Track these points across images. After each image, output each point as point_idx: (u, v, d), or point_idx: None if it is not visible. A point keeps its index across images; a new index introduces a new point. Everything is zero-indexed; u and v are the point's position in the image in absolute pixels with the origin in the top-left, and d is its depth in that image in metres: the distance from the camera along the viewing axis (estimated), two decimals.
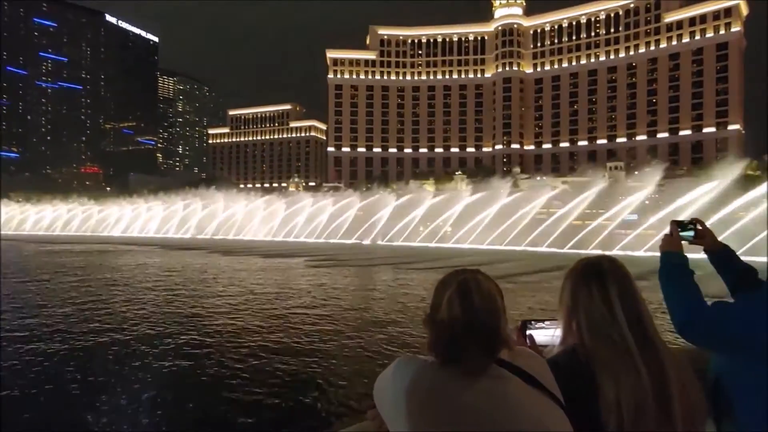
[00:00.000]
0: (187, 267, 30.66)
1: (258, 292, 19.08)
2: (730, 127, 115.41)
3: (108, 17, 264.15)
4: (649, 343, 1.64)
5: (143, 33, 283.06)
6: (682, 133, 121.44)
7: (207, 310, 15.36)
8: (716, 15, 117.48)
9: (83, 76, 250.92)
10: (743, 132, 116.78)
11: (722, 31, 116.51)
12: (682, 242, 2.10)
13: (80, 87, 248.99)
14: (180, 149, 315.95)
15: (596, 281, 1.72)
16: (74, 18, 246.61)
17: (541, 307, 16.15)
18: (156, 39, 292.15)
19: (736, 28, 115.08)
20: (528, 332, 1.98)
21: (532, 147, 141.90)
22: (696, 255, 2.11)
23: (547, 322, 2.00)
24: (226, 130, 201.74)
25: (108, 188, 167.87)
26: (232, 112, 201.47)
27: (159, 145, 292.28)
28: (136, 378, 8.56)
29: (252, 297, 18.01)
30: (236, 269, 29.19)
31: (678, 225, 2.13)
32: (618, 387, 1.57)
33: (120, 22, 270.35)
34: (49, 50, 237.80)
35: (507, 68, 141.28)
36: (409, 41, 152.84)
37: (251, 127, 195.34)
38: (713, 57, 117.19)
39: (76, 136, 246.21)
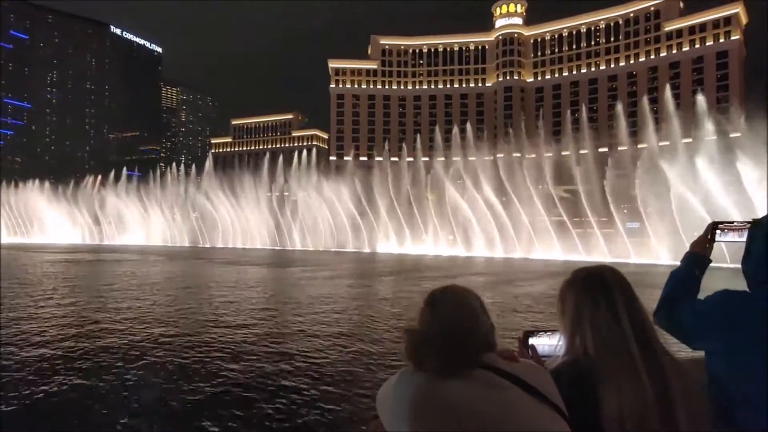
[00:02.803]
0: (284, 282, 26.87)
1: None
2: (732, 136, 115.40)
3: (113, 28, 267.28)
4: (652, 352, 1.63)
5: (147, 44, 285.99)
6: (684, 141, 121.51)
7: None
8: (716, 24, 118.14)
9: (88, 86, 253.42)
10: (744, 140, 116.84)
11: (722, 40, 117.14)
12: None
13: (85, 97, 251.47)
14: (183, 158, 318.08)
15: (601, 292, 1.70)
16: (79, 29, 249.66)
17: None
18: (159, 50, 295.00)
19: (735, 36, 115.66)
20: (530, 342, 1.98)
21: (533, 156, 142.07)
22: None
23: (549, 332, 1.98)
24: (228, 139, 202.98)
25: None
26: (234, 122, 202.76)
27: (162, 154, 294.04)
28: None
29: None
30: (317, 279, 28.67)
31: (716, 227, 2.00)
32: (621, 398, 1.55)
33: (124, 33, 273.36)
34: (54, 61, 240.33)
35: (508, 77, 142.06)
36: (411, 51, 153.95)
37: (253, 136, 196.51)
38: (713, 65, 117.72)
39: (80, 145, 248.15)
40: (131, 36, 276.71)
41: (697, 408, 1.60)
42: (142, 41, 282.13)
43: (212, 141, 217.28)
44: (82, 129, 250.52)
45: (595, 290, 1.71)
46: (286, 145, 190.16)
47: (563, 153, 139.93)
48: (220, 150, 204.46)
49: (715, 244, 2.01)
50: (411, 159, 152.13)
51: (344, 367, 9.25)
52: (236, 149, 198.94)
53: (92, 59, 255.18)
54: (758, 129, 51.03)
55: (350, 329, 12.87)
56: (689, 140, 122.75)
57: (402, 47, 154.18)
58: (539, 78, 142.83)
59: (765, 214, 1.81)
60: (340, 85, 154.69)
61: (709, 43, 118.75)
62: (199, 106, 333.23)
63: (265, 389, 7.91)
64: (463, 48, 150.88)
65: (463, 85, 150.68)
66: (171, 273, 30.44)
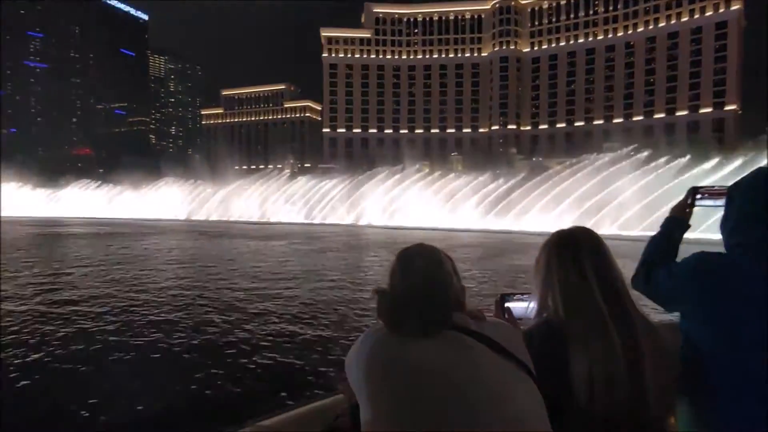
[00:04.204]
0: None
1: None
2: (727, 108, 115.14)
3: None
4: (624, 314, 1.63)
5: (132, 11, 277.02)
6: (678, 113, 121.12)
7: None
8: None
9: (73, 55, 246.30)
10: (740, 112, 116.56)
11: (722, 10, 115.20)
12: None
13: (70, 66, 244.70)
14: (173, 130, 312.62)
15: (570, 251, 1.71)
16: None
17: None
18: (146, 17, 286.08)
19: (735, 6, 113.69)
20: (506, 305, 2.02)
21: (528, 128, 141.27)
22: None
23: (525, 296, 2.00)
24: (219, 110, 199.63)
25: (101, 170, 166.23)
26: (225, 93, 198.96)
27: (151, 126, 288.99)
28: None
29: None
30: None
31: (697, 191, 2.01)
32: (590, 358, 1.56)
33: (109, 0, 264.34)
34: (37, 29, 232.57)
35: (504, 47, 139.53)
36: (405, 19, 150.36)
37: (245, 107, 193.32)
38: (712, 36, 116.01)
39: (67, 116, 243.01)
40: (116, 2, 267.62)
41: (668, 372, 1.61)
42: (127, 8, 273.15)
43: (203, 112, 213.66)
44: (69, 99, 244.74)
45: (564, 250, 1.73)
46: (279, 116, 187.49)
47: (558, 126, 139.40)
48: (211, 122, 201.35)
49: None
50: (405, 131, 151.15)
51: None
52: (227, 120, 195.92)
53: (76, 27, 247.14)
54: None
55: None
56: (684, 112, 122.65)
57: (396, 15, 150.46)
58: (536, 48, 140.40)
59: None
60: (333, 55, 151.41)
61: (709, 13, 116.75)
62: (188, 76, 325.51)
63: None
64: (459, 17, 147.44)
65: (459, 55, 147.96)
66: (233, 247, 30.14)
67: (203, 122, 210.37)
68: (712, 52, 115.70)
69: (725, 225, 1.81)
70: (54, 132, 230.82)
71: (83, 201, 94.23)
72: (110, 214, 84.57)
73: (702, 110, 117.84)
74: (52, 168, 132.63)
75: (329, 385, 6.66)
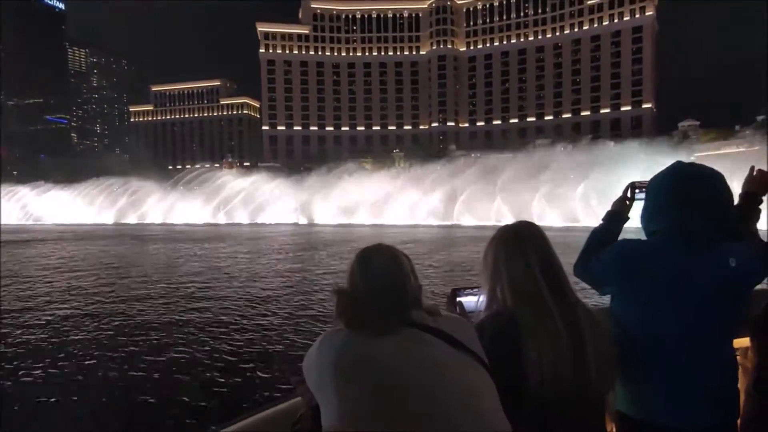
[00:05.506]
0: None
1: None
2: (644, 106, 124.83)
3: None
4: (566, 301, 1.73)
5: None
6: (602, 111, 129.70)
7: None
8: None
9: None
10: (655, 110, 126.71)
11: (637, 15, 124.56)
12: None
13: None
14: (98, 128, 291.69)
15: (515, 244, 1.79)
16: None
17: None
18: (62, 6, 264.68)
19: (649, 12, 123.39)
20: (458, 299, 2.06)
21: (466, 125, 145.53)
22: None
23: (476, 289, 2.03)
24: (149, 107, 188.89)
25: (15, 172, 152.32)
26: (155, 88, 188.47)
27: (73, 123, 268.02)
28: None
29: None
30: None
31: (635, 186, 2.12)
32: (539, 345, 1.64)
33: None
34: None
35: (441, 46, 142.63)
36: (344, 16, 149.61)
37: (178, 104, 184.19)
38: (629, 39, 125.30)
39: None
40: None
41: (607, 355, 1.72)
42: None
43: (131, 109, 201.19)
44: None
45: (510, 243, 1.80)
46: (214, 114, 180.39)
47: (494, 122, 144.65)
48: (141, 119, 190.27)
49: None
50: (346, 128, 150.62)
51: None
52: (158, 118, 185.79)
53: None
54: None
55: None
56: (607, 110, 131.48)
57: (334, 12, 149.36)
58: (472, 47, 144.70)
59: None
60: (271, 51, 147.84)
61: (626, 18, 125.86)
62: (113, 70, 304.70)
63: None
64: (397, 15, 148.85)
65: (398, 53, 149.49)
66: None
67: (131, 119, 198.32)
68: (630, 54, 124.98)
69: (644, 215, 1.95)
70: None
71: None
72: (28, 220, 77.82)
73: (623, 108, 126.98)
74: None
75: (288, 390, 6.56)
